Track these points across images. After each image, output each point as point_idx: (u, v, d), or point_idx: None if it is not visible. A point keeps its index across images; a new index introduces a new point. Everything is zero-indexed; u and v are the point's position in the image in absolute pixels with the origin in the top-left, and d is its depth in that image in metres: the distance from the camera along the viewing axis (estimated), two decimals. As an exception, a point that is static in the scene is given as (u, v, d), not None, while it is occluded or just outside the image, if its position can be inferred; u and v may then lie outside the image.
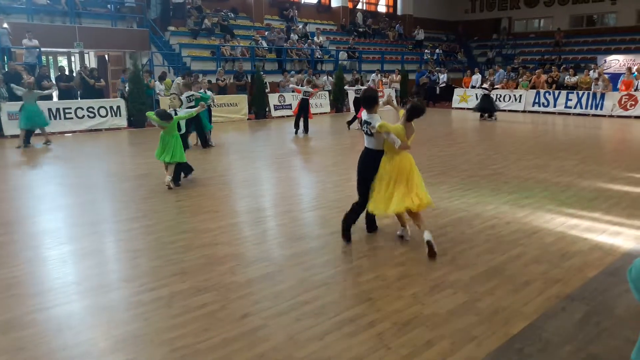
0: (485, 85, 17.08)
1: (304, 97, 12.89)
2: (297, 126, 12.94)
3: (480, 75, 21.21)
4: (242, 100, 16.58)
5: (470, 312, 3.48)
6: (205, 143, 10.70)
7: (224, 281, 3.98)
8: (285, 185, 7.46)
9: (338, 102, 19.05)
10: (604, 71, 19.63)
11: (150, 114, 7.07)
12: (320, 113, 18.44)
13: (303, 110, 12.87)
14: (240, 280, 4.00)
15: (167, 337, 3.17)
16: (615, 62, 23.05)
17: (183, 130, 7.53)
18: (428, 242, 4.42)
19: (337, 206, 6.16)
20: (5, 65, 13.31)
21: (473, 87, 20.75)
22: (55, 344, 3.12)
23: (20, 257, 4.54)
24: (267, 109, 17.16)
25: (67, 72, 14.97)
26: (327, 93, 19.02)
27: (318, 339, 3.14)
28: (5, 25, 14.05)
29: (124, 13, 17.74)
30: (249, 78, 17.46)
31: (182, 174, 7.51)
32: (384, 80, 21.11)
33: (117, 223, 5.51)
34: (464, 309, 3.52)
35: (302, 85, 13.66)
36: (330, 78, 19.67)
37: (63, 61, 18.66)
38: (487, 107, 16.53)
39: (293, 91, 16.07)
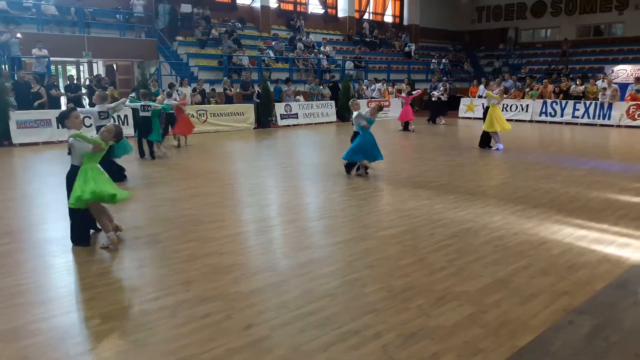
0: (436, 93, 19.10)
1: (172, 111, 11.81)
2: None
3: (486, 85, 21.21)
4: (249, 109, 16.66)
5: (477, 324, 3.44)
6: (152, 153, 10.59)
7: (228, 291, 3.97)
8: (290, 194, 7.45)
9: (345, 111, 19.07)
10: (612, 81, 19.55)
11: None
12: (327, 122, 18.51)
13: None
14: (245, 290, 3.98)
15: (171, 347, 3.15)
16: (623, 71, 22.98)
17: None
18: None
19: (343, 215, 6.15)
20: (15, 75, 13.47)
21: (480, 96, 20.74)
22: (58, 353, 3.12)
23: (26, 265, 4.56)
24: (273, 119, 17.26)
25: (75, 81, 15.11)
26: (333, 102, 19.06)
27: (322, 350, 3.12)
28: (18, 35, 14.24)
29: (133, 23, 17.93)
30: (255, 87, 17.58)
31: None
32: (390, 89, 21.15)
33: (123, 231, 5.52)
34: (470, 321, 3.48)
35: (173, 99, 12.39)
36: (322, 88, 19.56)
37: (72, 70, 18.84)
38: (435, 114, 18.44)
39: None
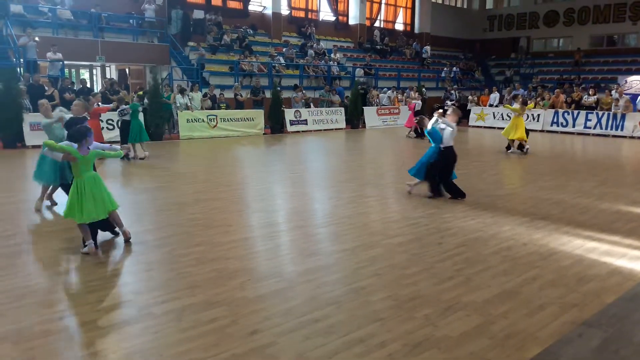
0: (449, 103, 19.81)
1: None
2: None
3: (498, 94, 21.14)
4: (259, 115, 16.74)
5: (484, 335, 3.40)
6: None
7: (234, 296, 3.97)
8: (298, 200, 7.45)
9: (354, 118, 19.10)
10: (625, 91, 19.39)
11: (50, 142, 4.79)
12: (336, 129, 18.53)
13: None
14: (251, 296, 3.98)
15: (176, 351, 3.15)
16: (637, 82, 22.77)
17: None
18: None
19: (350, 222, 6.13)
20: (31, 78, 13.64)
21: (491, 105, 20.68)
22: (65, 354, 3.13)
23: (35, 266, 4.59)
24: (282, 124, 17.32)
25: (88, 85, 15.28)
26: (342, 109, 19.08)
27: (327, 358, 3.10)
28: (36, 38, 14.45)
29: (145, 28, 18.12)
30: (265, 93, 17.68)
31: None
32: (400, 97, 21.14)
33: (130, 235, 5.54)
34: (477, 331, 3.45)
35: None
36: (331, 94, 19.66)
37: (85, 74, 19.06)
38: None
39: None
